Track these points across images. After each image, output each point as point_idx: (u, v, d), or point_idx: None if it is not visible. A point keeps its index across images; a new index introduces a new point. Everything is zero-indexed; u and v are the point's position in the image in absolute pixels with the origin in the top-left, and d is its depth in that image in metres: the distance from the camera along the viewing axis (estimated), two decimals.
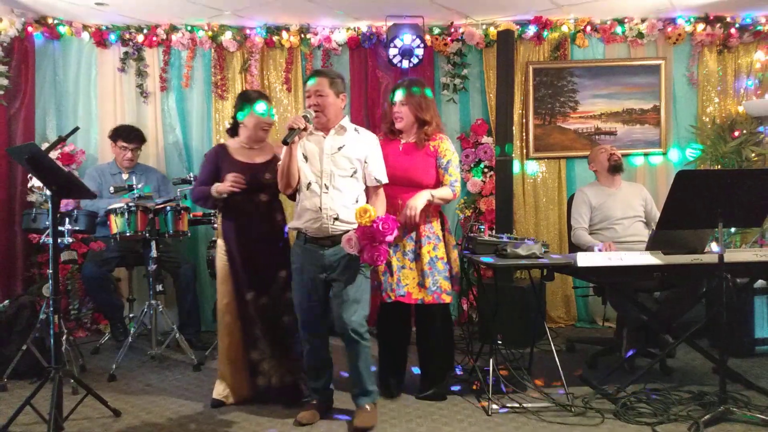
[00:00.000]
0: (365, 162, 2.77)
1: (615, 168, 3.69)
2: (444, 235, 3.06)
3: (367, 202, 2.79)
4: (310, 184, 2.72)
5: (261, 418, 2.88)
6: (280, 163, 2.74)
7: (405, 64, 4.50)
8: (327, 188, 2.69)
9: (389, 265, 2.95)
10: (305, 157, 2.74)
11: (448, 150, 3.02)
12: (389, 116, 3.10)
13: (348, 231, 2.65)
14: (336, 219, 2.68)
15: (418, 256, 2.97)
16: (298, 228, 2.79)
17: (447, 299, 2.99)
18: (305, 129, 2.64)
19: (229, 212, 3.00)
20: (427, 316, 3.09)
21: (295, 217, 2.82)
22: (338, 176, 2.71)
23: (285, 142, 2.59)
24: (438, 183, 3.03)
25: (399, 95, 3.02)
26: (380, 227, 2.50)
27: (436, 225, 3.02)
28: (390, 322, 3.17)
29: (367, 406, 2.78)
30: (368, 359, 2.80)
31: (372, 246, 2.53)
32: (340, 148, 2.73)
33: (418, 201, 2.88)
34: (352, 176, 2.74)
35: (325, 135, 2.74)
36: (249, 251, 2.95)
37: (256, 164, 3.00)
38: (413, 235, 2.98)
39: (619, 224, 3.56)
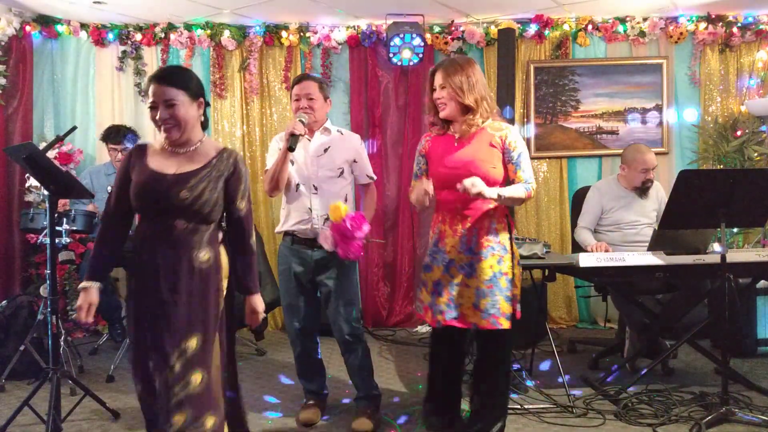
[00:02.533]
0: (354, 161, 2.80)
1: (643, 192, 3.53)
2: (512, 247, 2.49)
3: (361, 200, 2.86)
4: (298, 185, 2.73)
5: (261, 419, 2.87)
6: (269, 167, 2.73)
7: (405, 62, 4.48)
8: (316, 189, 2.71)
9: (437, 284, 2.49)
10: (291, 161, 2.75)
11: (519, 141, 2.45)
12: (432, 107, 2.54)
13: None
14: (326, 219, 2.69)
15: (475, 271, 2.43)
16: (285, 230, 2.79)
17: (505, 324, 2.41)
18: (303, 134, 2.65)
19: (134, 245, 2.03)
20: (483, 344, 2.58)
21: (282, 219, 2.82)
22: (326, 177, 2.73)
23: (291, 149, 2.58)
24: (507, 182, 2.50)
25: (438, 78, 2.47)
26: (348, 225, 2.50)
27: (503, 234, 2.46)
28: (442, 348, 2.64)
29: (368, 410, 2.78)
30: (369, 362, 2.81)
31: (344, 242, 2.53)
32: (326, 150, 2.76)
33: (486, 188, 2.32)
34: (339, 176, 2.76)
35: (310, 138, 2.77)
36: (148, 304, 1.96)
37: (172, 176, 1.98)
38: (473, 245, 2.44)
39: (628, 228, 3.50)
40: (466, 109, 2.45)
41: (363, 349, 2.79)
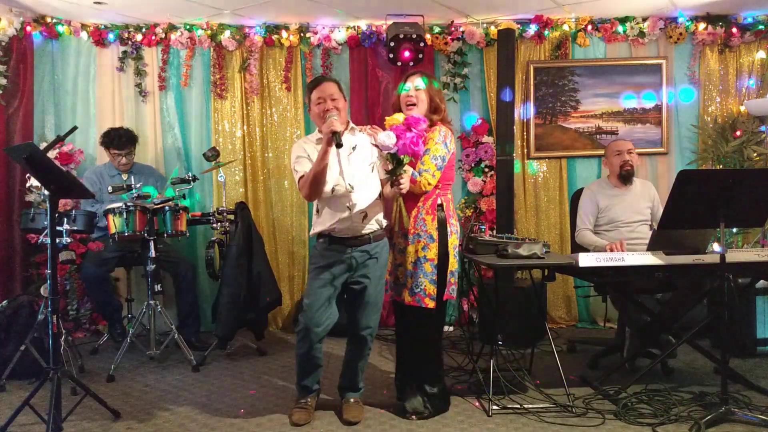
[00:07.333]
0: (378, 158, 2.78)
1: (624, 177, 3.61)
2: (442, 238, 2.75)
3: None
4: (334, 187, 2.70)
5: (260, 419, 2.87)
6: (301, 172, 2.69)
7: (405, 63, 4.49)
8: (352, 187, 2.70)
9: (394, 266, 2.90)
10: None
11: (432, 139, 2.73)
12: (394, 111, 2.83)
13: (376, 230, 2.78)
14: (365, 217, 2.71)
15: (404, 254, 2.80)
16: (323, 230, 2.77)
17: (430, 304, 2.73)
18: (342, 131, 2.61)
19: None
20: (408, 319, 2.87)
21: (318, 221, 2.80)
22: (360, 173, 2.72)
23: (339, 145, 2.53)
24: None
25: (417, 81, 2.80)
26: (408, 122, 2.53)
27: (430, 223, 2.75)
28: (407, 323, 2.93)
29: (352, 400, 2.93)
30: (367, 359, 2.97)
31: (409, 132, 2.49)
32: (354, 148, 2.76)
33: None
34: (372, 172, 2.77)
35: None
36: None
37: None
38: (405, 231, 2.80)
39: (624, 227, 3.53)
40: (435, 111, 2.83)
41: (369, 349, 2.94)
